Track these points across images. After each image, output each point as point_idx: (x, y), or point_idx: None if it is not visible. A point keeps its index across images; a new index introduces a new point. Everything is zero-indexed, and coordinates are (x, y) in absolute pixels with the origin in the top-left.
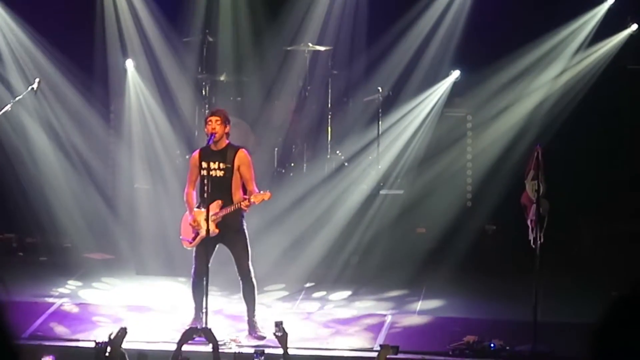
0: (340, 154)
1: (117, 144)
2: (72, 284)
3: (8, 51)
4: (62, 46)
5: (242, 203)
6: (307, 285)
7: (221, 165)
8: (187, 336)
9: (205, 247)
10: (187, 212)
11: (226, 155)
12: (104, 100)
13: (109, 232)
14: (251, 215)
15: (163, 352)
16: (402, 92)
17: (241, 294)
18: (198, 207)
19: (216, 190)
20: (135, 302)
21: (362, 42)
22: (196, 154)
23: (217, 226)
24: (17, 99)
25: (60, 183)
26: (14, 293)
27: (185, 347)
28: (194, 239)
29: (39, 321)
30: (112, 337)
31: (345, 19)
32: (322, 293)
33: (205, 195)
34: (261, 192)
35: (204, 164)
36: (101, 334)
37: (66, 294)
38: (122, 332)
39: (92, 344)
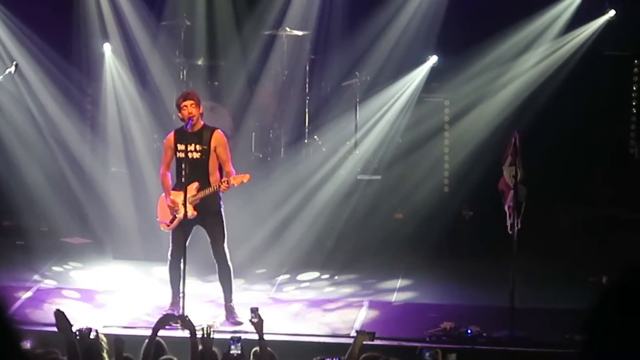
0: (317, 139)
1: (94, 128)
2: (49, 268)
3: None
4: (39, 29)
5: (221, 185)
6: (283, 270)
7: (197, 147)
8: (163, 322)
9: (182, 229)
10: (164, 194)
11: (202, 136)
12: (81, 84)
13: (86, 216)
14: (228, 199)
15: (140, 337)
16: (380, 77)
17: (217, 278)
18: (174, 189)
19: (193, 172)
20: (112, 286)
21: (340, 26)
22: (171, 135)
23: (195, 208)
24: None
25: (37, 167)
26: None
27: (161, 333)
28: (171, 221)
29: (15, 305)
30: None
31: (324, 4)
32: (299, 278)
33: (183, 177)
34: (240, 174)
35: (181, 147)
36: (79, 318)
37: (43, 278)
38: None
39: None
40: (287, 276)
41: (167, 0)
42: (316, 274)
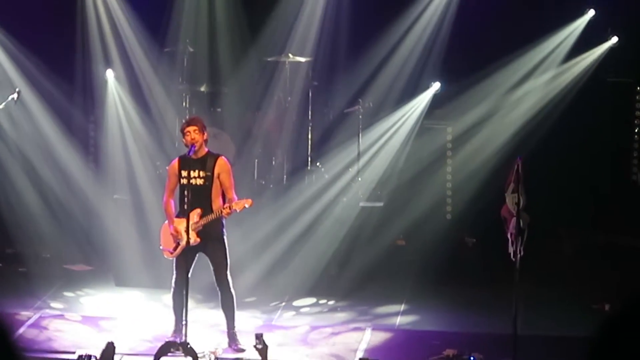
0: (320, 165)
1: (97, 155)
2: (51, 295)
3: None
4: (43, 56)
5: (223, 210)
6: (286, 297)
7: (201, 173)
8: (165, 349)
9: (185, 256)
10: (167, 222)
11: (206, 163)
12: (83, 110)
13: (89, 243)
14: (231, 226)
15: None
16: (383, 103)
17: (220, 305)
18: (178, 216)
19: (196, 198)
20: (114, 313)
21: (343, 53)
22: (175, 162)
23: (198, 235)
24: None
25: (39, 193)
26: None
27: (164, 359)
28: (175, 248)
29: (18, 332)
30: (102, 352)
31: (326, 30)
32: (302, 305)
33: (186, 205)
34: (242, 199)
35: (184, 173)
36: (82, 345)
37: (46, 305)
38: (110, 346)
39: (74, 356)
40: (290, 302)
41: (170, 27)
42: (319, 301)
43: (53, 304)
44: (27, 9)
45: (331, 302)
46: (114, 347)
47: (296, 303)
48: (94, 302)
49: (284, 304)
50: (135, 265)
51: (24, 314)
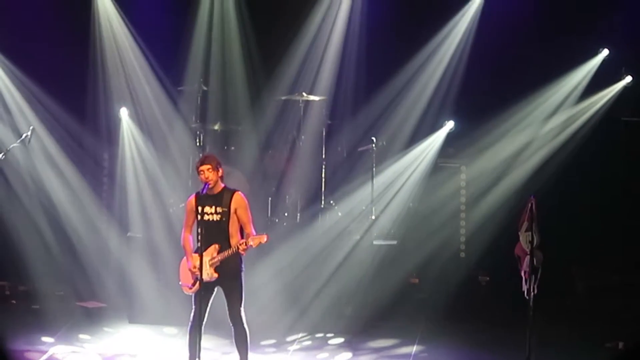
0: (333, 203)
1: (111, 192)
2: (64, 332)
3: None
4: (56, 95)
5: (239, 246)
6: (299, 335)
7: (218, 209)
8: None
9: (204, 292)
10: (185, 257)
11: (222, 199)
12: (97, 148)
13: (102, 280)
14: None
15: None
16: (396, 142)
17: (233, 341)
18: (196, 251)
19: (213, 234)
20: (128, 350)
21: (357, 92)
22: (192, 198)
23: (215, 270)
24: (11, 147)
25: (53, 231)
26: (7, 341)
27: None
28: (193, 284)
29: None
30: None
31: (341, 69)
32: (315, 343)
33: (199, 241)
34: (258, 234)
35: (200, 209)
36: None
37: (59, 343)
38: None
39: None
40: (303, 340)
41: (184, 66)
42: (331, 339)
43: (66, 342)
44: (43, 48)
45: (344, 340)
46: None
47: (309, 341)
48: (107, 339)
49: (296, 341)
50: (149, 302)
51: (37, 351)
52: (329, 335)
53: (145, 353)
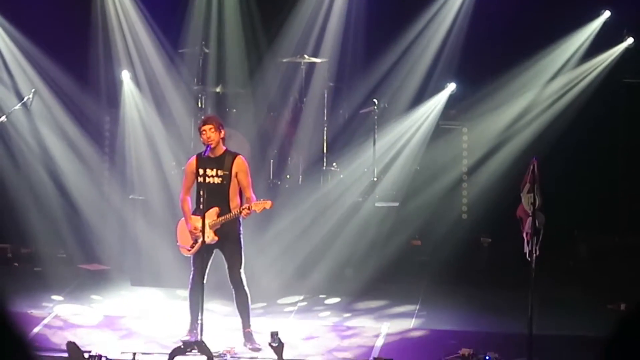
0: (336, 166)
1: (113, 155)
2: (66, 295)
3: (1, 62)
4: (58, 57)
5: (242, 211)
6: (301, 297)
7: (219, 172)
8: (180, 349)
9: (203, 254)
10: (183, 219)
11: (224, 162)
12: (99, 111)
13: (104, 242)
14: (246, 225)
15: None
16: (398, 104)
17: (234, 304)
18: (194, 213)
19: (213, 197)
20: (129, 312)
21: (358, 54)
22: (193, 160)
23: (215, 233)
24: (12, 110)
25: (55, 193)
26: (9, 303)
27: (180, 358)
28: (192, 246)
29: (34, 332)
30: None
31: (342, 31)
32: (317, 305)
33: (202, 203)
34: (261, 200)
35: (201, 171)
36: (95, 345)
37: (61, 305)
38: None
39: (86, 355)
40: (305, 302)
41: (185, 28)
42: (334, 301)
43: (68, 304)
44: (43, 11)
45: (346, 302)
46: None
47: (310, 302)
48: (109, 301)
49: (298, 303)
50: (151, 265)
51: (39, 313)
52: (330, 297)
53: (148, 315)
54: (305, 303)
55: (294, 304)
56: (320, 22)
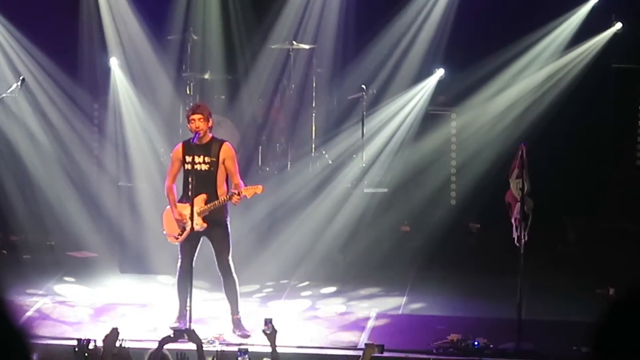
0: (324, 152)
1: (101, 142)
2: (55, 282)
3: None
4: (46, 44)
5: (232, 197)
6: (291, 283)
7: (206, 159)
8: (170, 337)
9: (190, 241)
10: (169, 207)
11: (210, 149)
12: (87, 98)
13: (93, 230)
14: (234, 212)
15: (146, 350)
16: (387, 90)
17: (223, 290)
18: (181, 201)
19: (201, 184)
20: (118, 299)
21: (346, 40)
22: (179, 147)
23: (204, 220)
24: (0, 97)
25: (43, 181)
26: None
27: (169, 345)
28: (180, 234)
29: (23, 319)
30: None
31: (330, 17)
32: (307, 291)
33: (190, 190)
34: (252, 185)
35: (188, 158)
36: (84, 332)
37: (49, 292)
38: (114, 332)
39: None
40: (294, 289)
41: (173, 15)
42: (323, 287)
43: (57, 291)
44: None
45: (336, 288)
46: (118, 333)
47: (300, 289)
48: (98, 288)
49: (288, 290)
50: (140, 252)
51: (29, 300)
52: (319, 283)
53: (136, 302)
54: (294, 289)
55: (283, 289)
56: (309, 9)
